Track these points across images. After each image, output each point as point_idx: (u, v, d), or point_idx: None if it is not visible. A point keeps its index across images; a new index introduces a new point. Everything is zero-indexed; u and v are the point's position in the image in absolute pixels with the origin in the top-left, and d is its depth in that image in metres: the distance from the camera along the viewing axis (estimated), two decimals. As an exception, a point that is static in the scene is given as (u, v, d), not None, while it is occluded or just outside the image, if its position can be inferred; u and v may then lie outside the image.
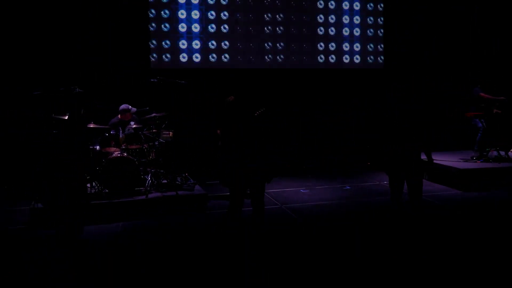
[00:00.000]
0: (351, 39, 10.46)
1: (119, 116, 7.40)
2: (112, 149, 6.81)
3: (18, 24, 8.27)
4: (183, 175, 7.60)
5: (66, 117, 6.35)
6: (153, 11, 9.28)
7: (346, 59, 10.46)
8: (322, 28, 10.29)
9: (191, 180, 7.51)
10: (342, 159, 10.18)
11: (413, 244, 5.18)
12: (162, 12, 9.32)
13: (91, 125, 6.77)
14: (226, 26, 9.71)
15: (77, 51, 8.59)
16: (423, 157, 5.56)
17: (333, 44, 10.36)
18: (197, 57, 9.58)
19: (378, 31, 10.65)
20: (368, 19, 10.55)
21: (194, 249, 5.27)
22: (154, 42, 9.30)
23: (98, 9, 8.76)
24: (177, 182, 7.23)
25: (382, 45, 10.68)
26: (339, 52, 10.42)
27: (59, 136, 6.42)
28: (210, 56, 9.64)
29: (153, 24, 9.30)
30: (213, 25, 9.63)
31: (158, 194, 6.77)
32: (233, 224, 5.05)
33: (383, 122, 5.43)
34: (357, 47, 10.50)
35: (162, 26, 9.34)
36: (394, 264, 4.67)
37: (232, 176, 4.97)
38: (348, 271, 4.59)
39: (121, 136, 6.96)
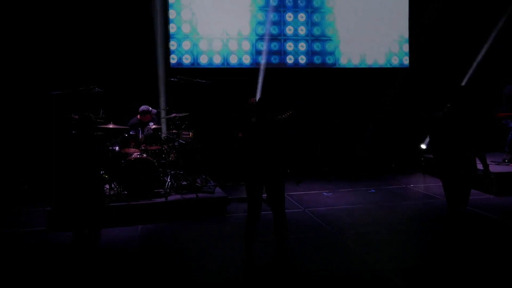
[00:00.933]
0: (375, 38, 10.14)
1: (138, 116, 7.27)
2: (132, 150, 6.67)
3: (38, 23, 8.21)
4: (203, 176, 7.42)
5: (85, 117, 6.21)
6: (173, 11, 9.12)
7: (370, 59, 10.15)
8: (343, 28, 9.99)
9: (211, 182, 7.33)
10: (364, 161, 9.88)
11: (459, 254, 4.88)
12: (182, 13, 9.16)
13: (111, 126, 6.63)
14: (247, 26, 9.49)
15: (97, 51, 8.49)
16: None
17: (357, 43, 10.06)
18: (217, 58, 9.39)
19: (404, 30, 10.31)
20: (391, 17, 10.22)
21: (215, 257, 5.06)
22: (174, 42, 9.15)
23: (118, 9, 8.64)
24: (197, 184, 7.06)
25: (408, 44, 10.33)
26: (363, 52, 10.10)
27: (77, 136, 6.28)
28: (230, 57, 9.44)
29: (173, 25, 9.14)
30: (235, 26, 9.43)
31: (178, 196, 6.60)
32: (250, 231, 4.79)
33: (436, 125, 4.94)
34: (382, 46, 10.17)
35: (182, 26, 9.18)
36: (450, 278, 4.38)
37: (251, 181, 4.74)
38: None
39: (140, 136, 6.82)
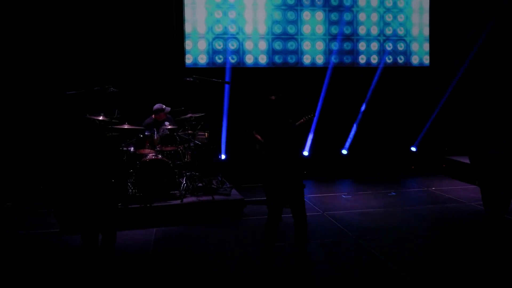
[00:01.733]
0: (396, 37, 9.88)
1: (153, 116, 7.16)
2: (147, 150, 6.56)
3: (53, 23, 8.15)
4: (218, 178, 7.27)
5: (101, 117, 6.12)
6: (188, 11, 9.00)
7: (389, 58, 9.88)
8: (364, 27, 9.77)
9: (227, 183, 7.17)
10: (382, 162, 9.63)
11: (490, 264, 4.63)
12: (197, 12, 9.03)
13: (125, 126, 6.52)
14: (262, 25, 9.33)
15: (112, 51, 8.41)
16: None
17: (376, 42, 9.82)
18: (233, 58, 9.24)
19: (424, 29, 10.04)
20: (414, 16, 9.95)
21: (231, 262, 4.89)
22: (189, 42, 9.02)
23: (134, 8, 8.56)
24: (212, 186, 6.91)
25: (428, 43, 10.05)
26: (382, 51, 9.86)
27: (93, 136, 6.19)
28: (246, 57, 9.28)
29: (188, 25, 9.02)
30: (250, 25, 9.27)
31: (194, 198, 6.46)
32: (270, 236, 4.62)
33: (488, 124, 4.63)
34: (401, 45, 9.91)
35: (198, 26, 9.05)
36: None
37: (271, 184, 4.57)
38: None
39: (155, 137, 6.69)
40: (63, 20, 8.18)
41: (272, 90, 8.44)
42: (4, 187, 7.55)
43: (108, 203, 4.75)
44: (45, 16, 8.12)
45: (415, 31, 10.01)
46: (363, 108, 9.63)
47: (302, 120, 6.98)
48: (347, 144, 9.61)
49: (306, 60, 9.59)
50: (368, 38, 9.80)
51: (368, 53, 9.82)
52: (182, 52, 8.95)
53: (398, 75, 9.91)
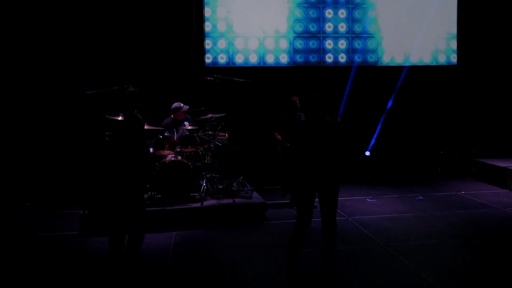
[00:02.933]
0: (421, 35, 9.52)
1: (172, 115, 7.00)
2: (166, 152, 6.39)
3: (72, 22, 8.08)
4: (239, 179, 7.07)
5: (120, 117, 5.98)
6: (208, 9, 8.82)
7: (415, 57, 9.55)
8: (387, 24, 9.45)
9: (248, 186, 6.96)
10: (408, 164, 9.31)
11: None
12: (217, 11, 8.85)
13: (145, 126, 6.36)
14: (284, 23, 9.09)
15: (131, 50, 8.29)
16: None
17: (401, 40, 9.48)
18: (253, 57, 9.03)
19: (452, 26, 9.67)
20: (438, 12, 9.58)
21: (254, 269, 4.68)
22: (209, 41, 8.85)
23: (152, 7, 8.42)
24: (233, 188, 6.71)
25: (456, 41, 9.68)
26: (408, 49, 9.51)
27: (113, 137, 6.05)
28: (267, 56, 9.06)
29: (208, 23, 8.84)
30: (271, 24, 9.05)
31: (214, 201, 6.27)
32: (298, 241, 4.40)
33: None
34: (427, 43, 9.56)
35: (218, 25, 8.87)
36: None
37: (300, 187, 4.35)
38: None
39: (175, 138, 6.53)
40: (83, 20, 8.11)
41: (279, 90, 8.29)
42: (24, 187, 7.49)
43: (131, 203, 4.58)
44: (66, 14, 8.06)
45: (442, 29, 9.65)
46: (388, 107, 9.33)
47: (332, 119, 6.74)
48: (371, 145, 9.32)
49: (329, 59, 9.33)
50: (391, 36, 9.49)
51: (392, 52, 9.51)
52: (202, 51, 8.78)
53: (424, 74, 9.57)
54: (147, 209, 5.88)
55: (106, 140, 5.84)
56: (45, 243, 5.44)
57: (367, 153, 9.27)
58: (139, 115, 6.19)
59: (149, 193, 6.25)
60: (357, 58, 9.39)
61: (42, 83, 7.96)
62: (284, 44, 9.14)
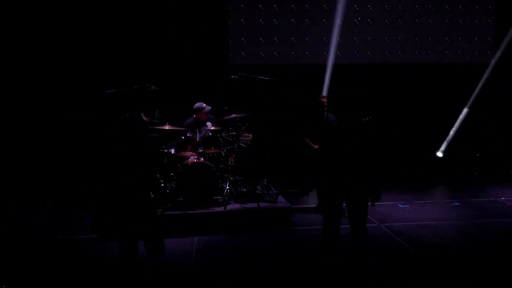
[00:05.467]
0: (456, 32, 9.04)
1: (194, 115, 6.77)
2: (188, 153, 6.16)
3: (92, 20, 7.95)
4: (263, 182, 6.80)
5: (142, 116, 5.77)
6: (232, 5, 8.55)
7: (449, 54, 9.05)
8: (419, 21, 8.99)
9: (273, 189, 6.68)
10: (442, 167, 8.84)
11: None
12: (242, 6, 8.56)
13: (166, 127, 6.15)
14: (308, 20, 8.73)
15: (152, 48, 8.11)
16: None
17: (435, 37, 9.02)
18: (279, 53, 8.71)
19: (488, 22, 9.14)
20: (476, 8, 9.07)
21: (283, 279, 4.38)
22: (233, 37, 8.57)
23: (172, 3, 8.22)
24: (257, 191, 6.43)
25: (492, 39, 9.15)
26: (442, 46, 9.03)
27: (132, 137, 5.86)
28: (293, 52, 8.73)
29: (232, 19, 8.57)
30: (298, 19, 8.71)
31: (238, 205, 6.00)
32: (327, 248, 4.11)
33: None
34: (462, 40, 9.05)
35: (242, 20, 8.58)
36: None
37: (329, 193, 4.06)
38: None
39: (197, 138, 6.29)
40: (103, 17, 7.98)
41: (307, 89, 7.94)
42: (42, 188, 7.40)
43: (134, 205, 4.33)
44: (88, 12, 7.94)
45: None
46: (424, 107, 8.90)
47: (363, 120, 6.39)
48: (404, 147, 8.91)
49: (358, 57, 8.94)
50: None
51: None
52: (226, 49, 8.52)
53: (458, 72, 9.08)
54: (167, 212, 5.70)
55: (107, 140, 5.66)
56: (65, 247, 5.29)
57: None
58: (160, 115, 6.03)
59: (170, 196, 6.03)
60: (387, 55, 8.97)
61: (55, 84, 7.87)
62: (312, 42, 8.79)
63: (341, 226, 4.15)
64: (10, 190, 7.17)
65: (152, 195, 5.49)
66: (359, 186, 4.01)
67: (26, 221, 6.21)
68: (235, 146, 6.39)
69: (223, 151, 6.39)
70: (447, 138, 8.72)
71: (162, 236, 4.75)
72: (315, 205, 6.58)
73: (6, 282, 4.26)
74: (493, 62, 8.99)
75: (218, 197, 6.12)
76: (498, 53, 8.91)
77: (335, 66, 8.71)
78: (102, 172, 4.24)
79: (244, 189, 6.40)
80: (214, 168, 6.10)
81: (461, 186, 7.96)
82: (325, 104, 6.23)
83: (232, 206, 5.96)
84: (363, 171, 4.02)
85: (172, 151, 6.17)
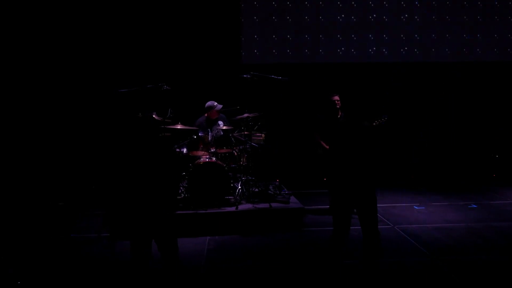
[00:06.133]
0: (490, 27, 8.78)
1: (205, 114, 6.74)
2: (200, 153, 6.14)
3: (104, 20, 7.98)
4: (276, 183, 6.75)
5: (154, 116, 5.77)
6: (245, 3, 8.49)
7: (478, 51, 8.78)
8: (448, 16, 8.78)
9: (285, 190, 6.62)
10: (459, 169, 8.65)
11: None
12: (255, 3, 8.49)
13: (178, 126, 6.15)
14: (322, 17, 8.62)
15: (164, 47, 8.10)
16: None
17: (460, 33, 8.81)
18: (292, 52, 8.62)
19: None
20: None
21: (295, 281, 4.33)
22: (245, 35, 8.52)
23: (186, 2, 8.19)
24: (269, 192, 6.38)
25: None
26: (470, 43, 8.79)
27: (146, 136, 5.86)
28: (306, 50, 8.64)
29: (245, 18, 8.51)
30: (311, 15, 8.61)
31: (249, 205, 5.96)
32: (336, 251, 4.05)
33: None
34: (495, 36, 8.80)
35: (255, 17, 8.52)
36: None
37: (338, 194, 4.01)
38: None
39: (209, 138, 6.27)
40: (116, 18, 7.99)
41: (320, 88, 7.82)
42: (57, 187, 7.46)
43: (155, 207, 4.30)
44: (103, 13, 7.97)
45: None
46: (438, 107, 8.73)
47: (375, 122, 6.30)
48: (420, 148, 8.76)
49: (373, 56, 8.80)
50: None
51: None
52: (238, 47, 8.47)
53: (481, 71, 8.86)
54: (179, 212, 5.68)
55: (126, 140, 5.66)
56: (77, 245, 5.31)
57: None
58: (172, 114, 6.02)
59: (182, 195, 6.02)
60: (407, 55, 8.81)
61: (68, 83, 7.91)
62: (325, 40, 8.69)
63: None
64: (24, 189, 7.24)
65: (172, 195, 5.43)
66: (367, 189, 3.95)
67: (40, 219, 6.27)
68: (247, 146, 6.34)
69: (235, 151, 6.35)
70: None
71: (176, 236, 4.71)
72: (328, 206, 6.49)
73: (21, 278, 4.30)
74: None
75: (230, 197, 6.09)
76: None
77: (350, 65, 8.60)
78: (121, 171, 4.22)
79: (256, 189, 6.36)
80: (226, 168, 6.06)
81: (478, 188, 7.79)
82: (338, 103, 6.15)
83: (244, 206, 5.92)
84: (370, 175, 3.95)
85: (184, 150, 6.16)
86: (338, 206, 4.05)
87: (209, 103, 6.68)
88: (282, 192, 6.48)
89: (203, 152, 6.14)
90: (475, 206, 6.73)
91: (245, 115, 6.34)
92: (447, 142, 8.82)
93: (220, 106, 6.68)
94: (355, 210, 4.07)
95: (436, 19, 8.68)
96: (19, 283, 4.15)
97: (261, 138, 6.66)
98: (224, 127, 6.50)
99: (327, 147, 6.16)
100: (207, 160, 6.02)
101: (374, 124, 5.27)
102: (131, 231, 4.24)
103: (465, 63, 8.73)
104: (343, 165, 3.99)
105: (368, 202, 3.97)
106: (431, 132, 8.80)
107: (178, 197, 5.97)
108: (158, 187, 4.36)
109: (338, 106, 6.16)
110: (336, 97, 6.18)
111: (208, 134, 6.38)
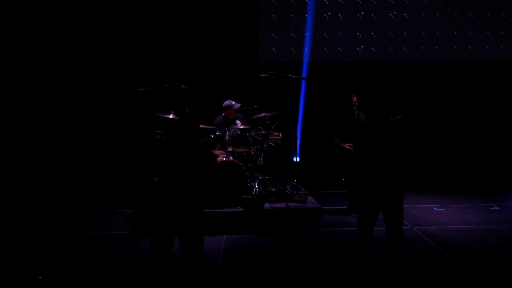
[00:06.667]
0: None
1: (223, 113, 6.76)
2: (218, 152, 6.17)
3: (123, 19, 8.06)
4: (293, 182, 6.72)
5: (171, 116, 5.82)
6: (264, 2, 8.47)
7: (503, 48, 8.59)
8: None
9: (302, 189, 6.60)
10: (480, 170, 8.48)
11: None
12: (273, 1, 8.46)
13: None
14: (341, 14, 8.55)
15: (181, 45, 8.15)
16: None
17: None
18: (310, 50, 8.57)
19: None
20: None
21: (312, 281, 4.30)
22: (264, 33, 8.50)
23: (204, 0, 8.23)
24: (286, 191, 6.37)
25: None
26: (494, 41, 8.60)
27: (165, 135, 5.91)
28: (325, 49, 8.58)
29: (263, 16, 8.49)
30: (329, 14, 8.55)
31: (267, 205, 5.96)
32: (361, 250, 4.03)
33: None
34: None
35: (273, 16, 8.49)
36: None
37: (363, 192, 3.99)
38: None
39: (226, 137, 6.29)
40: (135, 15, 8.07)
41: (338, 88, 7.74)
42: (77, 185, 7.58)
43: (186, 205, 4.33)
44: (118, 11, 8.06)
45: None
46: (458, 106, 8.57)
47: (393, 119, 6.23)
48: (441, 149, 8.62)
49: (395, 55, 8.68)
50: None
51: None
52: (256, 46, 8.46)
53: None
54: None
55: (159, 139, 5.70)
56: (95, 242, 5.39)
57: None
58: (192, 113, 6.04)
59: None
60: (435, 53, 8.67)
61: (96, 81, 8.01)
62: (343, 38, 8.61)
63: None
64: (45, 188, 7.39)
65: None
66: (395, 188, 3.93)
67: (60, 217, 6.38)
68: (265, 146, 6.34)
69: (252, 150, 6.36)
70: None
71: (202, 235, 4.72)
72: (345, 207, 6.45)
73: (42, 273, 4.38)
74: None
75: (247, 197, 6.09)
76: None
77: (369, 63, 8.51)
78: (155, 172, 4.28)
79: (273, 189, 6.36)
80: (243, 167, 6.08)
81: (502, 190, 7.63)
82: (355, 102, 6.09)
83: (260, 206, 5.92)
84: (397, 172, 3.93)
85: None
86: (365, 205, 4.04)
87: (227, 102, 6.69)
88: (300, 192, 6.46)
89: (221, 151, 6.16)
90: (497, 208, 6.59)
91: (263, 114, 6.35)
92: (470, 143, 8.66)
93: (238, 105, 6.69)
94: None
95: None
96: (40, 278, 4.23)
97: (279, 137, 6.64)
98: (242, 126, 6.51)
99: (344, 146, 6.12)
100: (224, 159, 6.04)
101: (391, 120, 5.24)
102: (157, 228, 4.29)
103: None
104: (372, 165, 3.97)
105: (396, 201, 3.96)
106: (453, 132, 8.64)
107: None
108: (185, 185, 4.38)
109: (355, 107, 6.10)
110: (354, 98, 6.13)
111: (226, 133, 6.40)
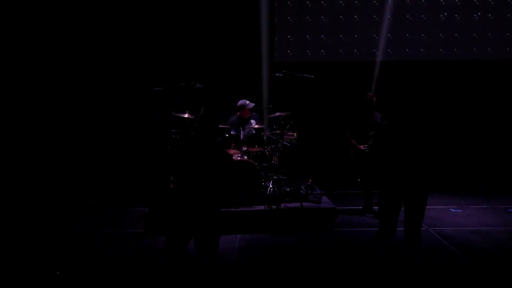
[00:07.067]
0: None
1: (238, 113, 6.77)
2: (232, 151, 6.18)
3: (138, 19, 8.13)
4: (308, 182, 6.70)
5: (186, 115, 5.86)
6: (279, 2, 8.46)
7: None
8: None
9: (317, 189, 6.57)
10: (500, 171, 8.34)
11: None
12: (288, 3, 8.46)
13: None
14: (356, 16, 8.50)
15: (197, 45, 8.19)
16: None
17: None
18: (326, 51, 8.54)
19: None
20: None
21: (327, 283, 4.29)
22: (279, 34, 8.50)
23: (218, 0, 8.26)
24: (301, 191, 6.35)
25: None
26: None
27: (181, 135, 5.94)
28: (340, 50, 8.54)
29: (279, 16, 8.49)
30: (343, 16, 8.50)
31: (281, 205, 5.94)
32: (383, 249, 4.02)
33: None
34: None
35: (288, 17, 8.48)
36: None
37: (385, 190, 3.97)
38: None
39: (241, 137, 6.30)
40: (148, 15, 8.13)
41: (353, 87, 7.69)
42: (93, 183, 7.67)
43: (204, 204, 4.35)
44: (131, 11, 8.14)
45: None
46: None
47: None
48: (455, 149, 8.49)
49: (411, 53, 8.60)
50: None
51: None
52: (272, 46, 8.45)
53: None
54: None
55: (175, 138, 5.74)
56: (110, 240, 5.46)
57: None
58: (205, 113, 6.08)
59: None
60: (445, 52, 8.57)
61: (110, 81, 8.10)
62: (359, 38, 8.56)
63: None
64: (62, 186, 7.51)
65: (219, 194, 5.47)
66: (418, 189, 3.90)
67: (75, 214, 6.47)
68: (279, 145, 6.33)
69: (267, 150, 6.36)
70: None
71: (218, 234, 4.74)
72: (360, 207, 6.41)
73: (60, 269, 4.45)
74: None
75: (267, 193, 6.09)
76: None
77: (385, 63, 8.44)
78: (172, 171, 4.33)
79: (288, 189, 6.34)
80: (258, 167, 6.08)
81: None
82: (373, 101, 6.05)
83: (275, 205, 5.91)
84: (420, 174, 3.91)
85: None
86: (388, 207, 4.02)
87: (241, 101, 6.71)
88: (314, 192, 6.44)
89: (235, 150, 6.17)
90: (515, 210, 6.49)
91: (277, 114, 6.34)
92: (487, 143, 8.52)
93: (252, 105, 6.70)
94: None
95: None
96: (57, 273, 4.30)
97: (293, 137, 6.63)
98: (256, 126, 6.51)
99: (360, 147, 6.08)
100: (239, 158, 6.05)
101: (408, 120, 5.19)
102: (173, 227, 4.32)
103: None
104: (396, 165, 3.95)
105: (419, 201, 3.93)
106: (471, 132, 8.52)
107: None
108: (204, 184, 4.41)
109: (373, 105, 6.06)
110: (372, 95, 6.09)
111: (240, 133, 6.41)
